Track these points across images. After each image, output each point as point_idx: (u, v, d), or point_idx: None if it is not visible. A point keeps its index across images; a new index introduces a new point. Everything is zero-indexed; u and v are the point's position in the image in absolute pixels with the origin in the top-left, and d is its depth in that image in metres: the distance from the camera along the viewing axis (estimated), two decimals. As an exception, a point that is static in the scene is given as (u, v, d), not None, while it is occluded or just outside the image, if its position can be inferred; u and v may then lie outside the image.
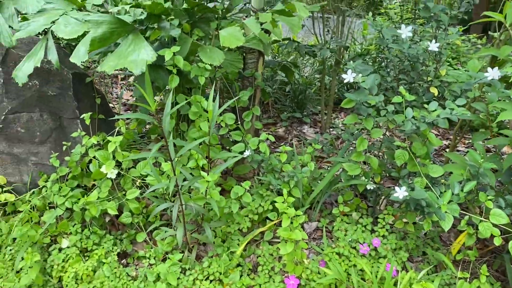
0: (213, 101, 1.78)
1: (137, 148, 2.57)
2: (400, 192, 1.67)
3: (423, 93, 2.09)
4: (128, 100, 3.55)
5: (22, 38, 2.18)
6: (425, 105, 1.86)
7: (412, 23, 3.31)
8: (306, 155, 2.20)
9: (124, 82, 3.85)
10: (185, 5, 2.16)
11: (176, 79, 1.98)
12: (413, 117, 1.78)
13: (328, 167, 2.72)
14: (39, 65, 1.80)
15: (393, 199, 1.68)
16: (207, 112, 2.06)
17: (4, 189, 2.22)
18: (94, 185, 2.19)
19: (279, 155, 2.17)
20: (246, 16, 2.30)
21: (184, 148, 1.70)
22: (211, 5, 2.30)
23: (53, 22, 1.89)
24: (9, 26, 1.92)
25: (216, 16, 2.34)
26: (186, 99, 2.16)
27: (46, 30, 1.88)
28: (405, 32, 1.94)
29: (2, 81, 2.17)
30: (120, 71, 3.83)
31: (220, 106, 1.81)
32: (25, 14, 1.94)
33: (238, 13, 2.49)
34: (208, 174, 1.76)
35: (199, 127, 2.13)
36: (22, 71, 1.81)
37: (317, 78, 3.55)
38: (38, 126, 2.21)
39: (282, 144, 3.07)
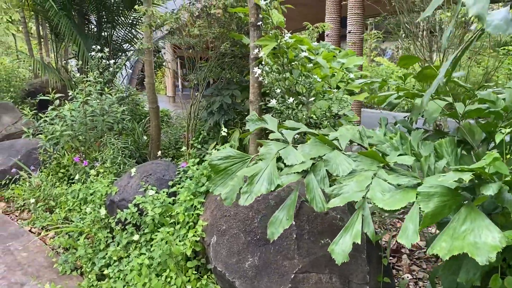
0: None
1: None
2: None
3: None
4: (393, 244, 3.14)
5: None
6: None
7: None
8: None
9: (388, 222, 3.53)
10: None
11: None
12: None
13: None
14: (359, 242, 1.60)
15: None
16: None
17: None
18: None
19: None
20: None
21: None
22: None
23: (367, 186, 1.74)
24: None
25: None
26: None
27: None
28: None
29: (294, 236, 2.11)
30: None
31: None
32: (336, 176, 1.86)
33: None
34: None
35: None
36: (340, 247, 1.65)
37: None
38: (326, 289, 2.02)
39: None
